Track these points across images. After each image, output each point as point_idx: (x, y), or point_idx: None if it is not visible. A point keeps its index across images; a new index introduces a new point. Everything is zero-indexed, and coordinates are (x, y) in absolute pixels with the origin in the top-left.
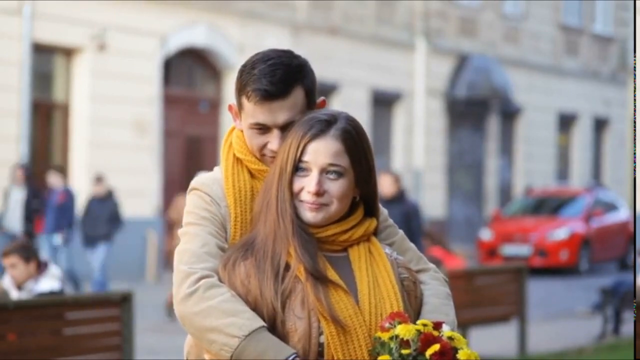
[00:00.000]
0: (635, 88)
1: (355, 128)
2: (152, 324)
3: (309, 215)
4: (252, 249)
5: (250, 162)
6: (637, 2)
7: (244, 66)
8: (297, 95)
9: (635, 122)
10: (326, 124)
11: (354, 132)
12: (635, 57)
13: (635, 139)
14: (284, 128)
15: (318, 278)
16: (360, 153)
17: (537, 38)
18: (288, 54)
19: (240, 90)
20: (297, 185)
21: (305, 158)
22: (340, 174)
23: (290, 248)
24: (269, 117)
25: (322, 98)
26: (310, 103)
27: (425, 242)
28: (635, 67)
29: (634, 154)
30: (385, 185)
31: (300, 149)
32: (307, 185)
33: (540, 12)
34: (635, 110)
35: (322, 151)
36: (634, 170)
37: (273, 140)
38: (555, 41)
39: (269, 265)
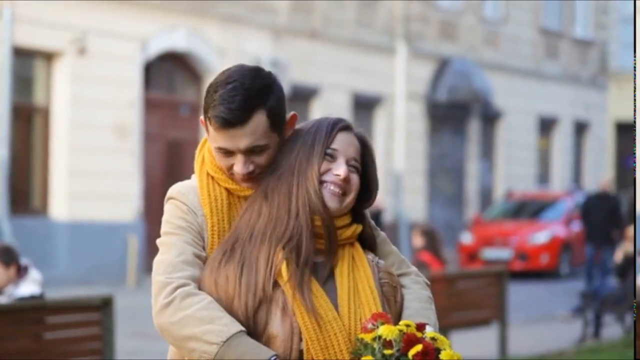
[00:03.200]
0: (635, 88)
1: (367, 138)
2: (132, 329)
3: (330, 200)
4: (234, 249)
5: (222, 181)
6: (637, 2)
7: (210, 86)
8: (258, 120)
9: (635, 122)
10: (349, 124)
11: (367, 140)
12: (635, 57)
13: (635, 139)
14: (248, 152)
15: (304, 279)
16: (370, 158)
17: (517, 42)
18: (252, 74)
19: (205, 111)
20: (323, 166)
21: (335, 145)
22: (357, 170)
23: (276, 248)
24: (230, 143)
25: (292, 113)
26: (275, 123)
27: (418, 241)
28: (635, 67)
29: (634, 153)
30: None
31: (332, 135)
32: (335, 168)
33: (521, 15)
34: (635, 110)
35: (350, 143)
36: (634, 170)
37: (238, 164)
38: (536, 45)
39: (253, 266)
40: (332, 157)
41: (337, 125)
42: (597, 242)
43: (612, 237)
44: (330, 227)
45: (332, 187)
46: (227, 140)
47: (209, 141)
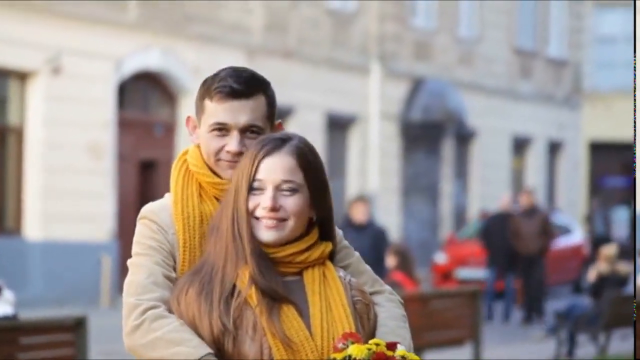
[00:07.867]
0: (634, 88)
1: (309, 147)
2: (106, 349)
3: (265, 234)
4: (201, 274)
5: (204, 176)
6: (637, 2)
7: (207, 78)
8: (260, 101)
9: (635, 123)
10: (280, 142)
11: (308, 150)
12: (635, 57)
13: (635, 140)
14: (244, 131)
15: (275, 299)
16: (314, 170)
17: (491, 61)
18: (252, 70)
19: (204, 93)
20: (252, 203)
21: (259, 176)
22: (294, 190)
23: (241, 270)
24: (231, 116)
25: (279, 121)
26: (270, 114)
27: (391, 261)
28: (635, 67)
29: (634, 153)
30: (359, 212)
31: (254, 166)
32: (262, 201)
33: (495, 35)
34: (634, 111)
35: (276, 167)
36: (634, 169)
37: (231, 142)
38: (510, 64)
39: (217, 289)
40: (260, 189)
41: (259, 155)
42: (499, 267)
43: (515, 261)
44: (277, 257)
45: (265, 221)
46: (228, 113)
47: (205, 121)
